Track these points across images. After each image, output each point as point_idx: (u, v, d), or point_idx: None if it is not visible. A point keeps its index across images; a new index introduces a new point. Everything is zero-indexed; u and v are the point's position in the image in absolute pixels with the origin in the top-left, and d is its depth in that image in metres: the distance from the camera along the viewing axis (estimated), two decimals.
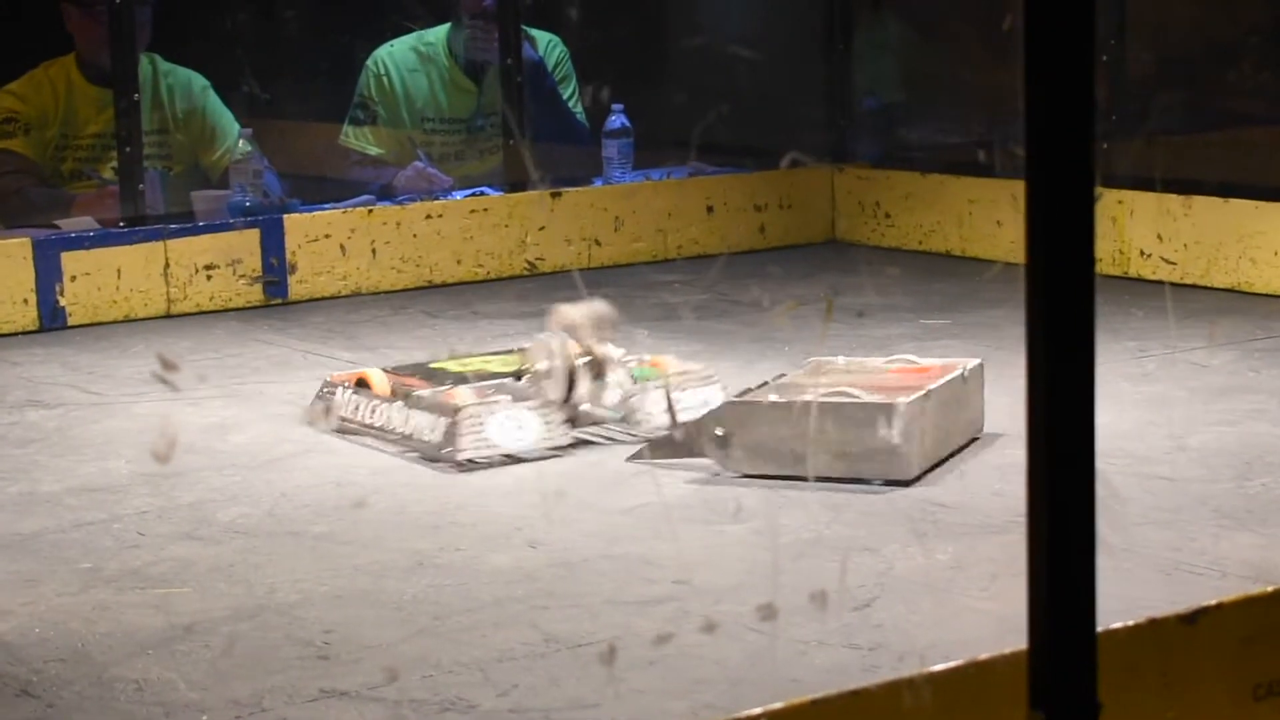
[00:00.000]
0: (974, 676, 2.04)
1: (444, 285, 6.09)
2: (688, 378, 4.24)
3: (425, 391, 4.15)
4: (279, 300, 5.84)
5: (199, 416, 4.45)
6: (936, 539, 3.40)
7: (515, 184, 6.36)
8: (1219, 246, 5.69)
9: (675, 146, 6.92)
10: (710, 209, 6.58)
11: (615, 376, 4.13)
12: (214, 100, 6.33)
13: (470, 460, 3.93)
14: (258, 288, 5.80)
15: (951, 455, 3.90)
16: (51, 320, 5.51)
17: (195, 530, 3.58)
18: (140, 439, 4.24)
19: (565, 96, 6.67)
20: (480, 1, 6.50)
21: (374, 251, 6.00)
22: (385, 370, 4.40)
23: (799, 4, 7.37)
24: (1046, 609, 1.91)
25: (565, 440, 4.03)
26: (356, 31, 7.20)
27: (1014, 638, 2.95)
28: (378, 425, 4.16)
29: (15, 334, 5.44)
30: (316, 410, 4.30)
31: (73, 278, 5.54)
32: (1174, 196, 5.78)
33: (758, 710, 1.95)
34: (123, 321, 5.59)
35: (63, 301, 5.52)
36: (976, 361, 4.09)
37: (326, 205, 6.11)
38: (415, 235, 6.07)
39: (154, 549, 3.47)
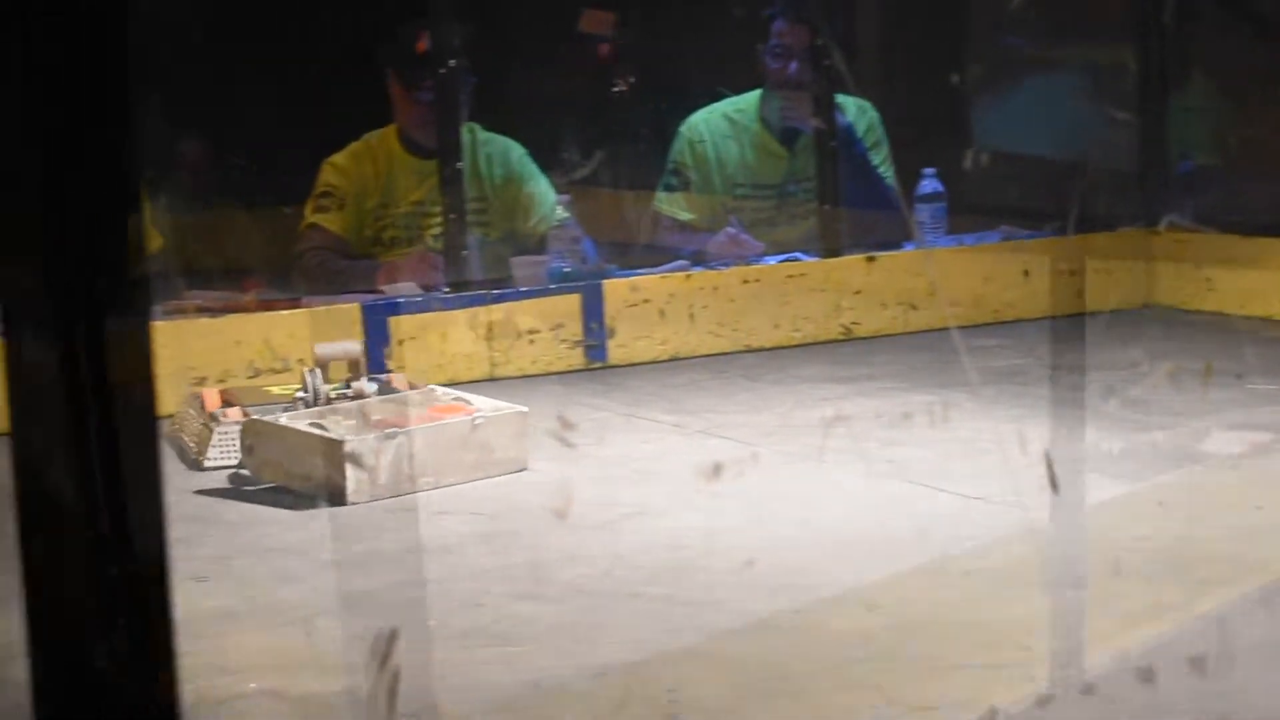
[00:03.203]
0: None
1: (761, 349, 6.12)
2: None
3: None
4: (599, 364, 5.91)
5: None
6: None
7: (830, 249, 6.37)
8: None
9: (984, 211, 6.90)
10: (1026, 273, 6.54)
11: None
12: (531, 168, 6.43)
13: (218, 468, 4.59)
14: (579, 351, 5.89)
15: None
16: None
17: (535, 589, 3.64)
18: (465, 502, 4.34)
19: (876, 163, 6.67)
20: (785, 70, 6.54)
21: (692, 316, 6.05)
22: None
23: (1108, 69, 7.30)
24: None
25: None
26: (671, 100, 7.28)
27: None
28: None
29: None
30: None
31: (400, 342, 5.67)
32: None
33: None
34: (447, 384, 5.68)
35: (390, 365, 5.65)
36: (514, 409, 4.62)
37: (643, 270, 6.18)
38: (732, 300, 6.11)
39: (496, 607, 3.53)
